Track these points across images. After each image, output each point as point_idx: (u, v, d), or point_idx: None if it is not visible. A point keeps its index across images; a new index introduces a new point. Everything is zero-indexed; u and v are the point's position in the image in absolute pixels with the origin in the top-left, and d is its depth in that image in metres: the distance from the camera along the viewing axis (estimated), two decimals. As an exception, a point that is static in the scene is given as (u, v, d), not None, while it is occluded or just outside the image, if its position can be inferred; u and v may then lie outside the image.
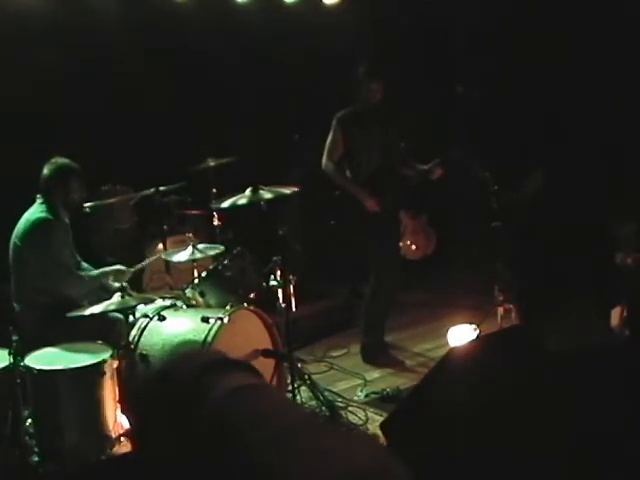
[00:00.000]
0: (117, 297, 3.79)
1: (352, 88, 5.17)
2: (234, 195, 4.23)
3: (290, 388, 4.17)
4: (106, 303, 3.74)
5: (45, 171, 4.31)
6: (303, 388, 4.41)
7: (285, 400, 0.93)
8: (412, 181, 5.25)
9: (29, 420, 3.71)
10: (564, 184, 5.58)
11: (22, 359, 3.62)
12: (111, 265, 4.67)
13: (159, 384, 0.90)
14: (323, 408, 4.35)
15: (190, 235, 4.75)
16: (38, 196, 4.30)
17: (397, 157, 5.23)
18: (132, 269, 4.62)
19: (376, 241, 5.15)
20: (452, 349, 2.04)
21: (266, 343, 4.13)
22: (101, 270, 4.49)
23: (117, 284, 4.58)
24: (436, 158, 5.18)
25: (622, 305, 3.39)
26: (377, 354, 5.29)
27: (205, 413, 0.82)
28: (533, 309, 1.53)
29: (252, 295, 4.43)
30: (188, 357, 0.99)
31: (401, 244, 6.00)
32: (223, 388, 0.84)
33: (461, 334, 5.10)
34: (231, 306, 4.08)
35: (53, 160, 4.34)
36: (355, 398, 4.67)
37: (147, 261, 4.99)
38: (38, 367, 3.64)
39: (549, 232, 1.53)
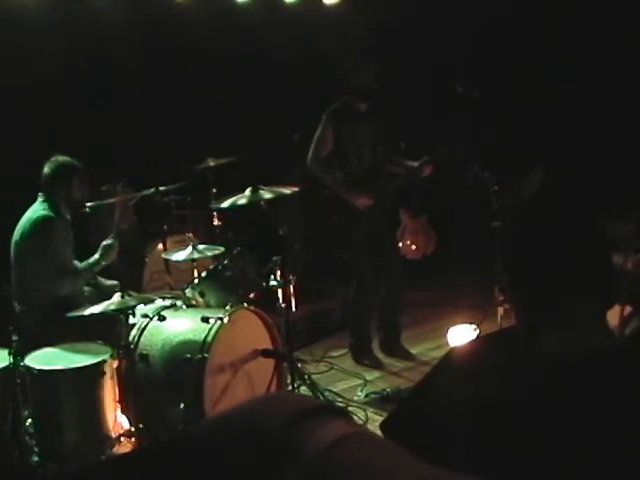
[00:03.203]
0: (117, 297, 3.79)
1: (344, 79, 5.14)
2: (234, 195, 4.23)
3: (290, 388, 4.17)
4: (106, 303, 3.74)
5: (46, 169, 4.31)
6: (303, 388, 4.41)
7: (395, 449, 0.80)
8: (404, 179, 5.24)
9: (29, 420, 3.71)
10: (563, 184, 5.59)
11: (22, 359, 3.63)
12: (110, 264, 4.67)
13: (243, 434, 0.77)
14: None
15: (190, 235, 4.75)
16: (39, 194, 4.31)
17: (384, 155, 5.21)
18: (113, 239, 4.48)
19: (363, 242, 5.14)
20: (452, 349, 2.04)
21: (266, 343, 4.13)
22: (88, 261, 4.40)
23: (111, 282, 4.56)
24: (424, 156, 5.17)
25: (621, 305, 3.39)
26: (362, 354, 5.30)
27: (304, 468, 0.71)
28: (531, 310, 1.53)
29: (252, 295, 4.43)
30: (275, 403, 0.85)
31: (401, 244, 5.99)
32: (324, 439, 0.73)
33: (461, 334, 5.10)
34: (231, 306, 4.08)
35: (54, 158, 4.33)
36: (355, 398, 4.68)
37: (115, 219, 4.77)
38: (38, 367, 3.64)
39: (548, 232, 1.53)
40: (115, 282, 4.68)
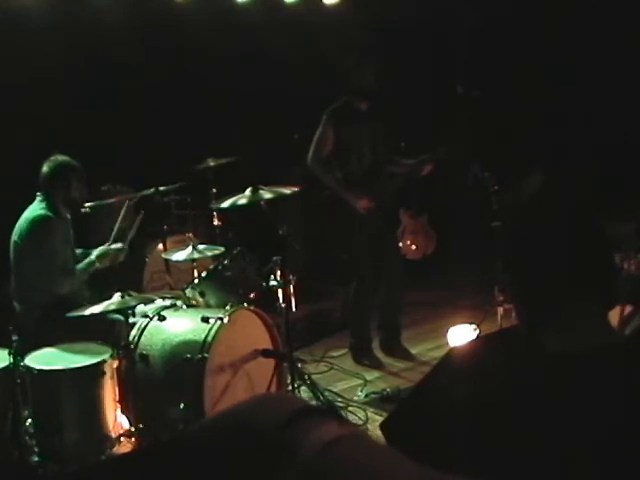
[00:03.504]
0: (117, 297, 3.79)
1: (344, 79, 5.13)
2: (234, 195, 4.23)
3: (290, 388, 4.17)
4: (106, 303, 3.74)
5: (45, 168, 4.30)
6: (303, 388, 4.41)
7: (390, 450, 0.80)
8: (403, 179, 5.24)
9: (29, 420, 3.71)
10: (563, 184, 5.59)
11: (22, 359, 3.62)
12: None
13: (243, 434, 0.77)
14: (323, 408, 4.35)
15: (190, 235, 4.75)
16: (38, 194, 4.30)
17: (384, 155, 5.20)
18: (112, 246, 4.53)
19: (363, 242, 5.14)
20: (452, 349, 2.04)
21: (266, 343, 4.13)
22: (85, 262, 4.42)
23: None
24: (423, 155, 5.16)
25: (622, 305, 3.39)
26: (362, 354, 5.30)
27: (301, 468, 0.71)
28: (532, 310, 1.53)
29: (252, 295, 4.43)
30: (272, 403, 0.85)
31: (401, 244, 5.99)
32: (320, 439, 0.73)
33: (461, 334, 5.10)
34: (231, 306, 4.08)
35: (53, 158, 4.33)
36: (355, 398, 4.68)
37: (118, 223, 4.78)
38: (38, 367, 3.64)
39: (548, 232, 1.53)
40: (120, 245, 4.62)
